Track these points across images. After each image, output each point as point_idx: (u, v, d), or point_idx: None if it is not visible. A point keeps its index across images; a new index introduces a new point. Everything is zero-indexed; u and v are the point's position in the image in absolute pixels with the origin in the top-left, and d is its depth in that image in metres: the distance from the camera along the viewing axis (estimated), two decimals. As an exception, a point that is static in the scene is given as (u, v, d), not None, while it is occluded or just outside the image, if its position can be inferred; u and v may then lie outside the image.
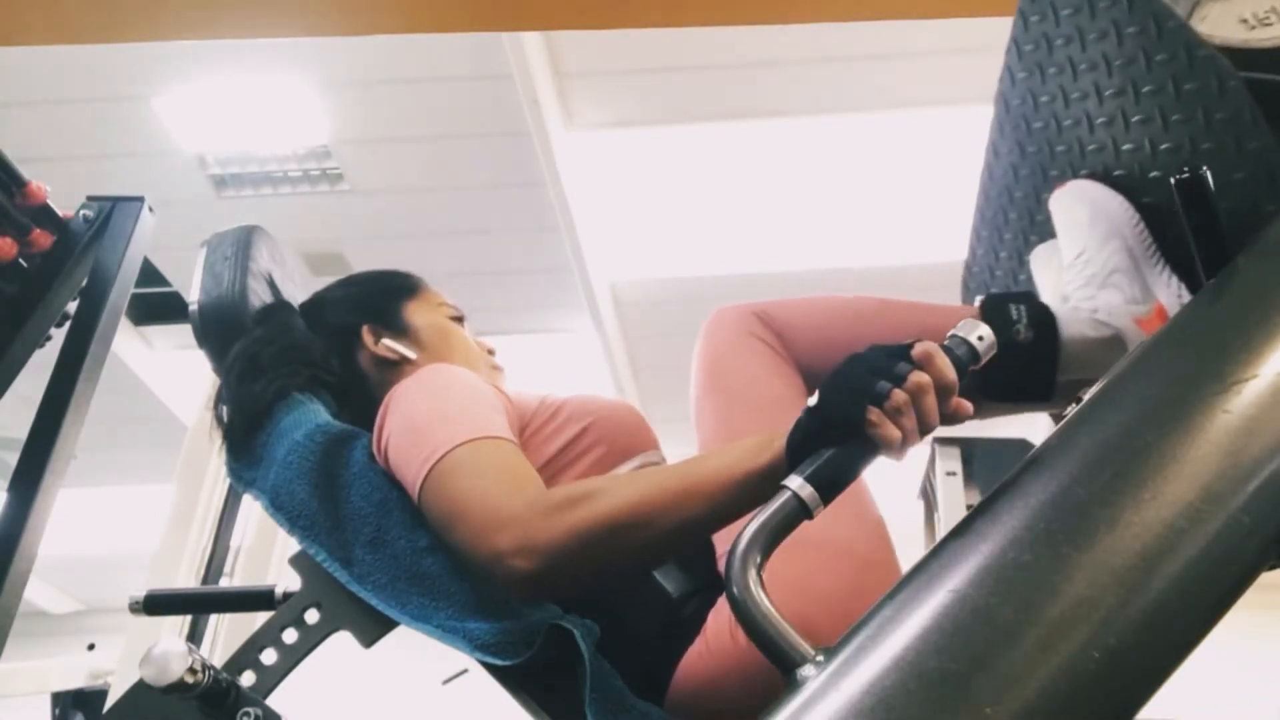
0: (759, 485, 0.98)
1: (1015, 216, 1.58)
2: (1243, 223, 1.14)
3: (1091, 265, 1.38)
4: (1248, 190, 1.17)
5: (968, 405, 0.95)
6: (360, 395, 1.38)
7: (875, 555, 1.18)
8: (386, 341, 1.41)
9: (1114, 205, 1.38)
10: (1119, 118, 1.32)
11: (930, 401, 0.92)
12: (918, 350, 0.94)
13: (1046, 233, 1.52)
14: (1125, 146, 1.34)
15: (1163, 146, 1.28)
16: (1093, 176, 1.42)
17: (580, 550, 1.02)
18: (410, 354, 1.41)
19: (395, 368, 1.40)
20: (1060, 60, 1.38)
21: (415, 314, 1.46)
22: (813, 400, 0.95)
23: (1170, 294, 1.35)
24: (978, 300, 1.42)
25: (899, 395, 0.91)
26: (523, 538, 1.03)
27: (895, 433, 0.91)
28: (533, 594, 1.10)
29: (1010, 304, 1.38)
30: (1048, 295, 1.48)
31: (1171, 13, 1.23)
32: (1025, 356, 1.35)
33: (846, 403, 0.92)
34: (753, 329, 1.34)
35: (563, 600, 1.17)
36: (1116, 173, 1.38)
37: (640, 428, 1.34)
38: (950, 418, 0.94)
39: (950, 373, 0.93)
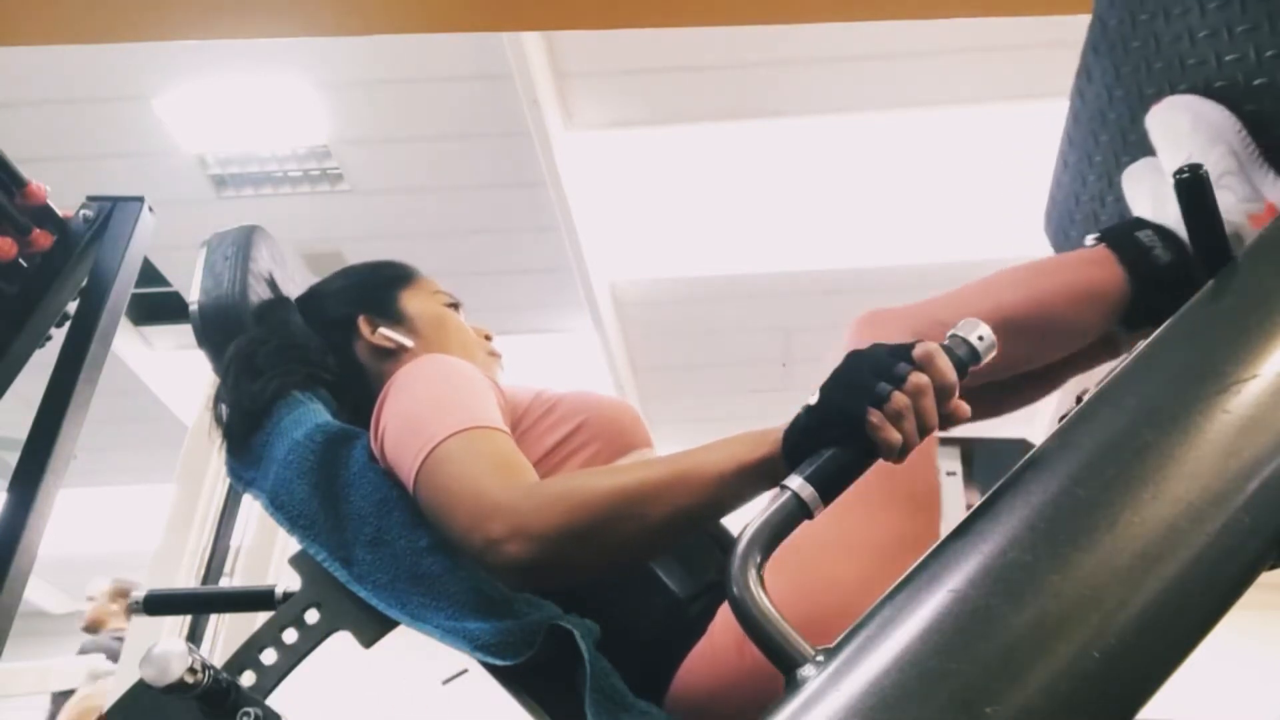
0: (753, 479, 0.98)
1: (1107, 138, 1.60)
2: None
3: None
4: None
5: (966, 407, 0.95)
6: (358, 388, 1.38)
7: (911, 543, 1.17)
8: (383, 331, 1.41)
9: (1217, 114, 1.41)
10: (1223, 29, 1.35)
11: (929, 403, 0.92)
12: (918, 351, 0.93)
13: (1139, 152, 1.55)
14: (1228, 57, 1.37)
15: (1268, 53, 1.31)
16: (1191, 91, 1.44)
17: (573, 537, 1.02)
18: (407, 342, 1.41)
19: (393, 357, 1.40)
20: None
21: (411, 302, 1.46)
22: (813, 399, 0.95)
23: (1278, 192, 1.37)
24: (1090, 239, 1.43)
25: (899, 398, 0.91)
26: (516, 524, 1.03)
27: (895, 436, 0.91)
28: (526, 581, 1.10)
29: (1134, 231, 1.40)
30: (1143, 211, 1.50)
31: None
32: (1171, 276, 1.36)
33: (847, 403, 0.92)
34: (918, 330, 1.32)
35: (564, 600, 1.17)
36: (1217, 84, 1.41)
37: (635, 425, 1.34)
38: (948, 419, 0.94)
39: (950, 374, 0.93)
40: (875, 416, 0.91)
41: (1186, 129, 1.42)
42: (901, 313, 1.33)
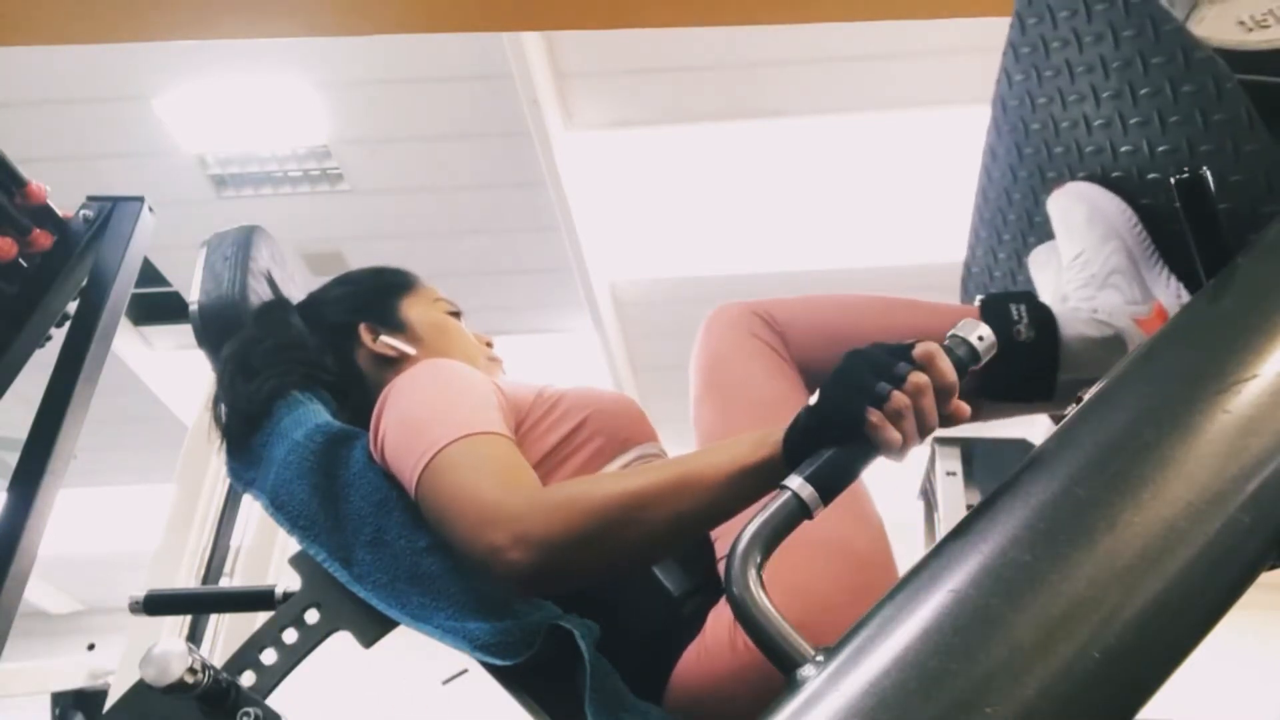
0: (755, 481, 0.98)
1: (1014, 218, 1.58)
2: (1242, 224, 1.14)
3: (1090, 266, 1.38)
4: (1246, 192, 1.18)
5: (966, 407, 0.95)
6: (359, 394, 1.38)
7: (875, 556, 1.18)
8: (384, 338, 1.41)
9: (1112, 207, 1.38)
10: (1116, 120, 1.33)
11: (929, 403, 0.92)
12: (919, 351, 0.93)
13: (1044, 234, 1.52)
14: (1123, 148, 1.35)
15: (1160, 148, 1.28)
16: (1090, 178, 1.42)
17: (576, 543, 1.02)
18: (409, 350, 1.41)
19: (394, 365, 1.40)
20: (1057, 63, 1.38)
21: (411, 310, 1.46)
22: (814, 399, 0.95)
23: (1169, 294, 1.35)
24: (978, 300, 1.42)
25: (899, 397, 0.91)
26: (519, 532, 1.03)
27: (895, 435, 0.91)
28: (531, 588, 1.10)
29: (1010, 304, 1.38)
30: (1046, 296, 1.48)
31: (1168, 15, 1.23)
32: (1026, 356, 1.35)
33: (847, 402, 0.92)
34: (753, 328, 1.34)
35: (563, 600, 1.17)
36: (1114, 174, 1.38)
37: (639, 419, 1.34)
38: (948, 419, 0.94)
39: (951, 374, 0.93)
40: (875, 416, 0.91)
41: (1082, 221, 1.40)
42: (750, 302, 1.35)
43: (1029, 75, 1.44)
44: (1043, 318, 1.36)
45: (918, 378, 0.92)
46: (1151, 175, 1.32)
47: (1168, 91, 1.23)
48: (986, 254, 1.66)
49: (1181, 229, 1.08)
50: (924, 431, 0.92)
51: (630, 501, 1.02)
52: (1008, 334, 1.34)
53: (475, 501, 1.07)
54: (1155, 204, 1.35)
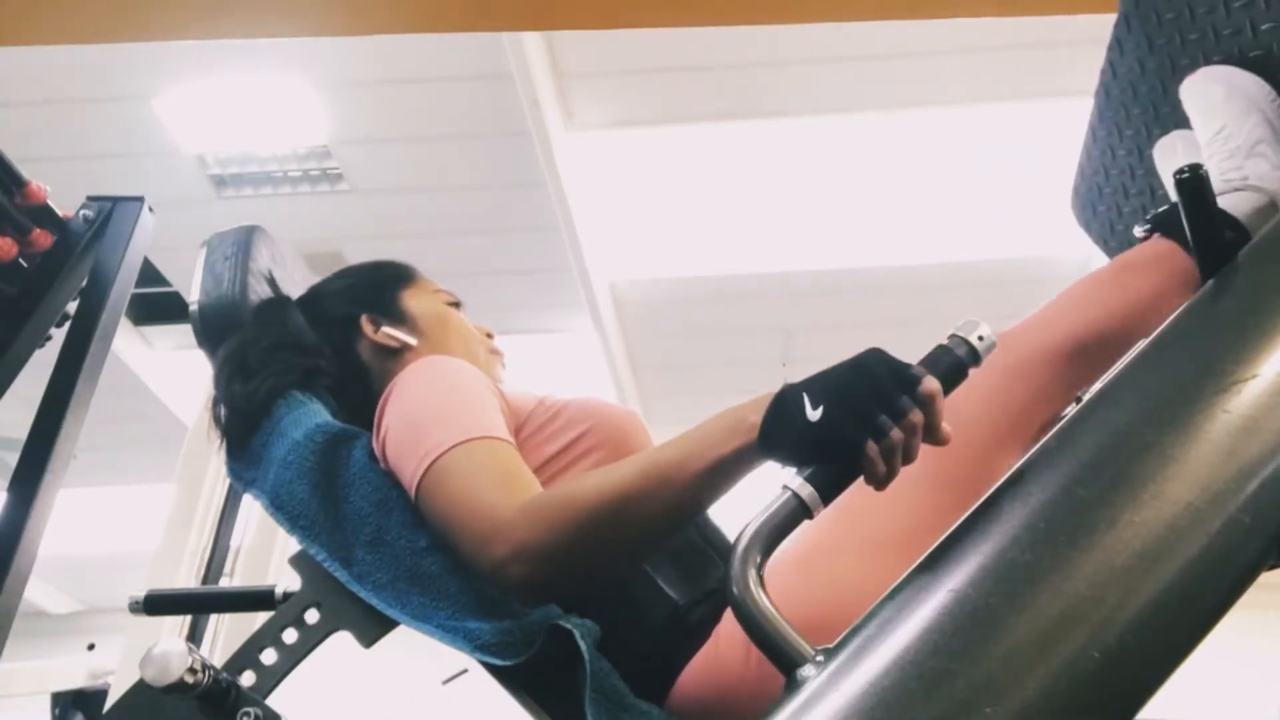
0: (732, 470, 0.99)
1: (1138, 111, 1.60)
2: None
3: (1235, 138, 1.39)
4: None
5: (947, 436, 0.95)
6: (359, 388, 1.38)
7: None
8: (386, 330, 1.42)
9: (1250, 83, 1.40)
10: None
11: (917, 442, 0.92)
12: (925, 389, 0.93)
13: (1171, 124, 1.54)
14: (1264, 26, 1.36)
15: None
16: (1226, 61, 1.44)
17: (570, 549, 1.03)
18: (410, 341, 1.41)
19: (396, 356, 1.40)
20: None
21: (412, 301, 1.46)
22: (814, 415, 0.93)
23: None
24: (1141, 231, 1.37)
25: (896, 435, 0.91)
26: (516, 545, 1.04)
27: (884, 470, 0.91)
28: (537, 598, 1.11)
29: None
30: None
31: None
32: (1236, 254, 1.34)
33: (847, 429, 0.91)
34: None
35: (564, 602, 1.17)
36: (1252, 54, 1.40)
37: (639, 433, 1.34)
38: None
39: (940, 419, 0.93)
40: (872, 450, 0.91)
41: (1221, 99, 1.42)
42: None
43: None
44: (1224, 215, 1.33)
45: (916, 417, 0.92)
46: None
47: None
48: (1103, 153, 1.68)
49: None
50: (905, 461, 0.93)
51: (614, 502, 1.02)
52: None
53: (475, 514, 1.08)
54: None
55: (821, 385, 0.95)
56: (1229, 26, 1.41)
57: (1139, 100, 1.59)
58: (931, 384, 0.93)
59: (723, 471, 1.00)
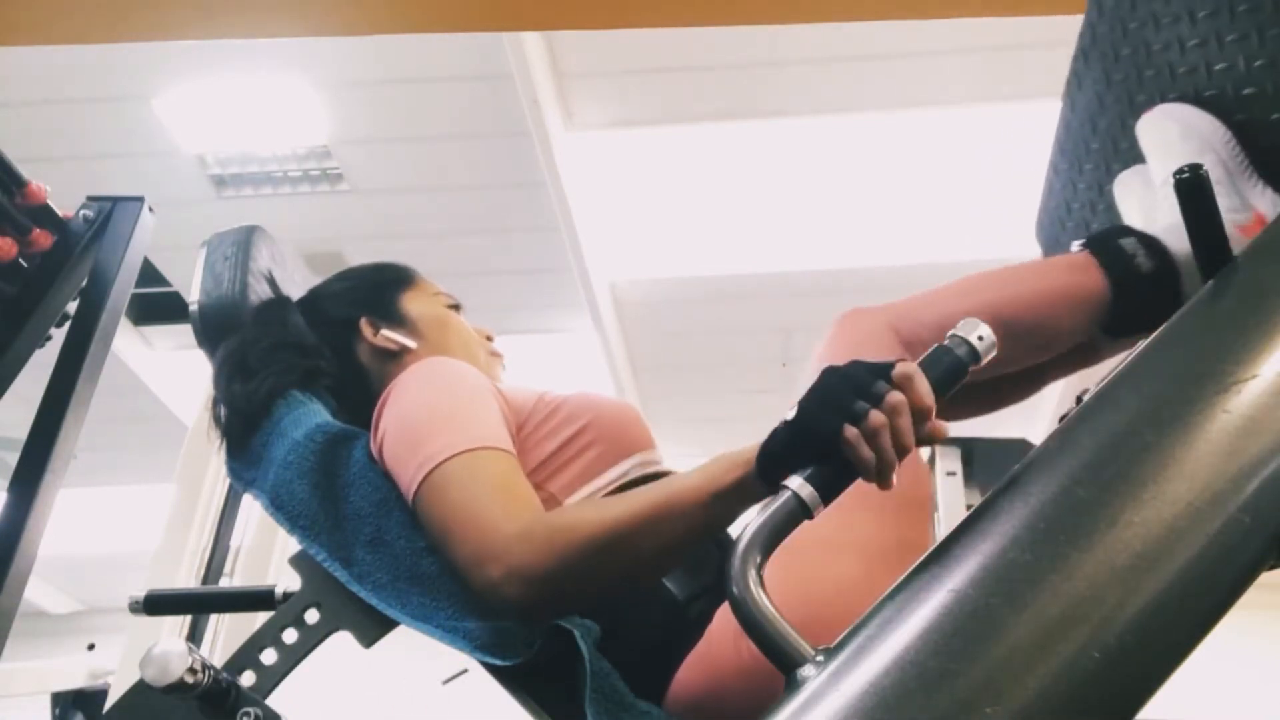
0: (732, 502, 0.99)
1: (1097, 146, 1.61)
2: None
3: None
4: None
5: (944, 428, 0.94)
6: (359, 390, 1.38)
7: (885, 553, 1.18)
8: (386, 332, 1.42)
9: (1205, 123, 1.40)
10: (1212, 38, 1.36)
11: (906, 423, 0.91)
12: (898, 371, 0.93)
13: (1130, 159, 1.55)
14: (1218, 66, 1.37)
15: (1257, 63, 1.31)
16: (1182, 99, 1.45)
17: (567, 576, 1.04)
18: (410, 343, 1.41)
19: (395, 359, 1.40)
20: None
21: (412, 304, 1.46)
22: (790, 413, 0.94)
23: (1266, 202, 1.37)
24: (1076, 245, 1.42)
25: (876, 416, 0.91)
26: (511, 567, 1.05)
27: (869, 454, 0.90)
28: (529, 618, 1.12)
29: (1118, 238, 1.38)
30: (1133, 220, 1.49)
31: None
32: (1153, 283, 1.35)
33: (823, 419, 0.91)
34: (883, 341, 1.29)
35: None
36: (1207, 93, 1.41)
37: (637, 426, 1.34)
38: (925, 440, 0.94)
39: (928, 397, 0.93)
40: (851, 434, 0.90)
41: (1176, 138, 1.42)
42: (882, 311, 1.32)
43: (1121, 1, 1.47)
44: (1153, 244, 1.37)
45: (895, 397, 0.91)
46: (1247, 90, 1.35)
47: (1268, 6, 1.26)
48: (1065, 186, 1.69)
49: (1277, 141, 1.09)
50: (900, 452, 0.92)
51: (613, 534, 1.03)
52: (1130, 268, 1.35)
53: (473, 531, 1.09)
54: (1249, 119, 1.38)
55: (804, 393, 0.95)
56: (1184, 65, 1.42)
57: (1098, 135, 1.60)
58: (907, 367, 0.93)
59: (722, 502, 1.00)
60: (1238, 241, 1.33)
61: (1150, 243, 1.37)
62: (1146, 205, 1.47)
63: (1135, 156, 1.52)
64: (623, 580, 1.08)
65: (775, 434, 0.96)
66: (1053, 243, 1.79)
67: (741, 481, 0.98)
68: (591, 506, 1.09)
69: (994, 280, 1.39)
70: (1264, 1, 1.26)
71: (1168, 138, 1.43)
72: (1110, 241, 1.38)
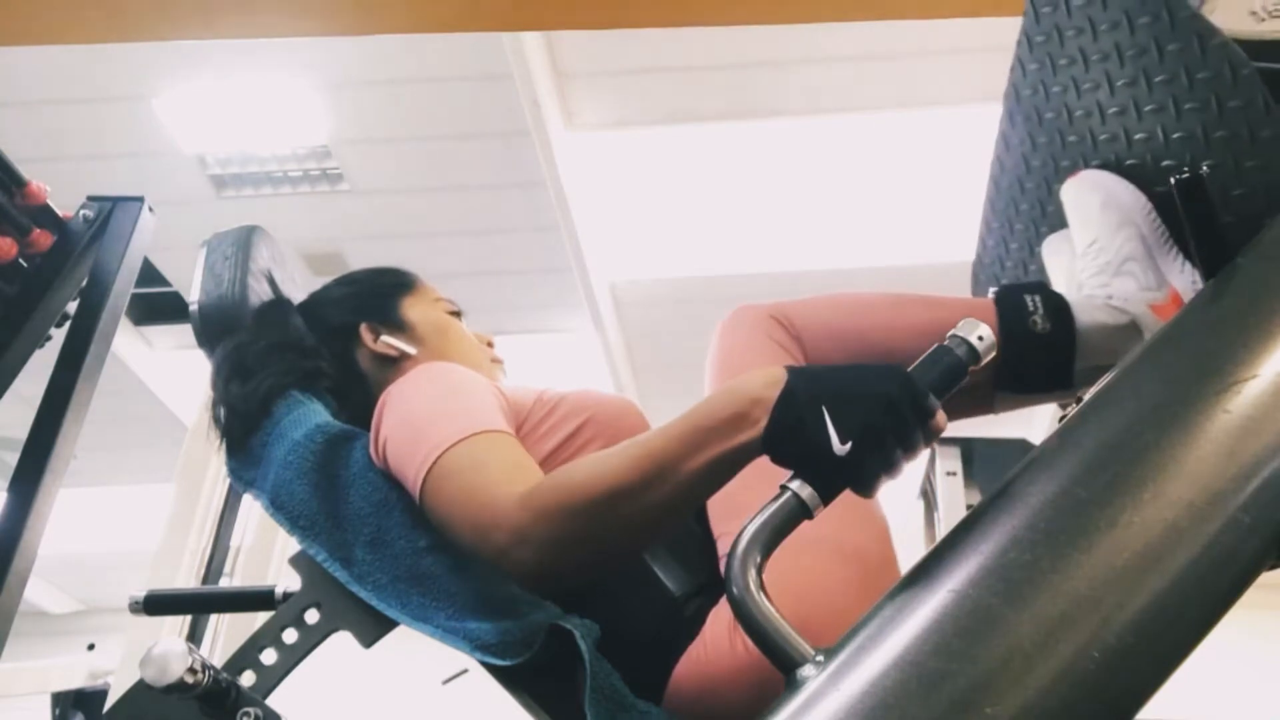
0: (735, 460, 0.99)
1: (1026, 207, 1.59)
2: (1257, 211, 1.14)
3: (1105, 253, 1.38)
4: (1261, 179, 1.18)
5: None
6: (360, 394, 1.38)
7: (878, 555, 1.18)
8: (385, 338, 1.42)
9: (1126, 194, 1.38)
10: (1131, 107, 1.33)
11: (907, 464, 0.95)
12: (938, 423, 0.94)
13: (1058, 223, 1.53)
14: (1137, 136, 1.35)
15: (1175, 135, 1.29)
16: (1105, 166, 1.43)
17: (571, 533, 1.02)
18: (410, 350, 1.41)
19: (395, 365, 1.40)
20: (1072, 51, 1.39)
21: (412, 310, 1.46)
22: (842, 449, 0.92)
23: (1184, 280, 1.35)
24: (991, 292, 1.42)
25: (902, 467, 0.93)
26: (516, 531, 1.03)
27: (879, 491, 0.94)
28: (541, 583, 1.10)
29: (1025, 294, 1.37)
30: (1060, 284, 1.48)
31: (1183, 2, 1.24)
32: (1044, 346, 1.34)
33: (874, 470, 0.92)
34: (770, 331, 1.33)
35: (563, 600, 1.17)
36: (1129, 162, 1.39)
37: (638, 422, 1.34)
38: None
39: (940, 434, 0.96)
40: (881, 482, 0.93)
41: (1096, 208, 1.40)
42: (766, 310, 1.35)
43: (1043, 64, 1.45)
44: (1058, 306, 1.36)
45: (923, 450, 0.94)
46: (1166, 162, 1.32)
47: (1183, 78, 1.23)
48: (998, 244, 1.67)
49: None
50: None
51: (613, 487, 1.01)
52: (1024, 325, 1.34)
53: (476, 505, 1.07)
54: (1169, 191, 1.35)
55: (841, 407, 0.93)
56: (1105, 133, 1.40)
57: (1026, 196, 1.58)
58: (942, 419, 0.94)
59: (722, 466, 0.99)
60: (1150, 322, 1.33)
61: (1059, 309, 1.36)
62: (1070, 271, 1.45)
63: (1062, 220, 1.50)
64: (632, 533, 1.05)
65: (803, 432, 0.93)
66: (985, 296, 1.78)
67: (745, 446, 0.97)
68: (587, 462, 1.07)
69: (895, 303, 1.39)
70: (1179, 73, 1.23)
71: (1089, 207, 1.41)
72: (1016, 295, 1.37)
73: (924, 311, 1.37)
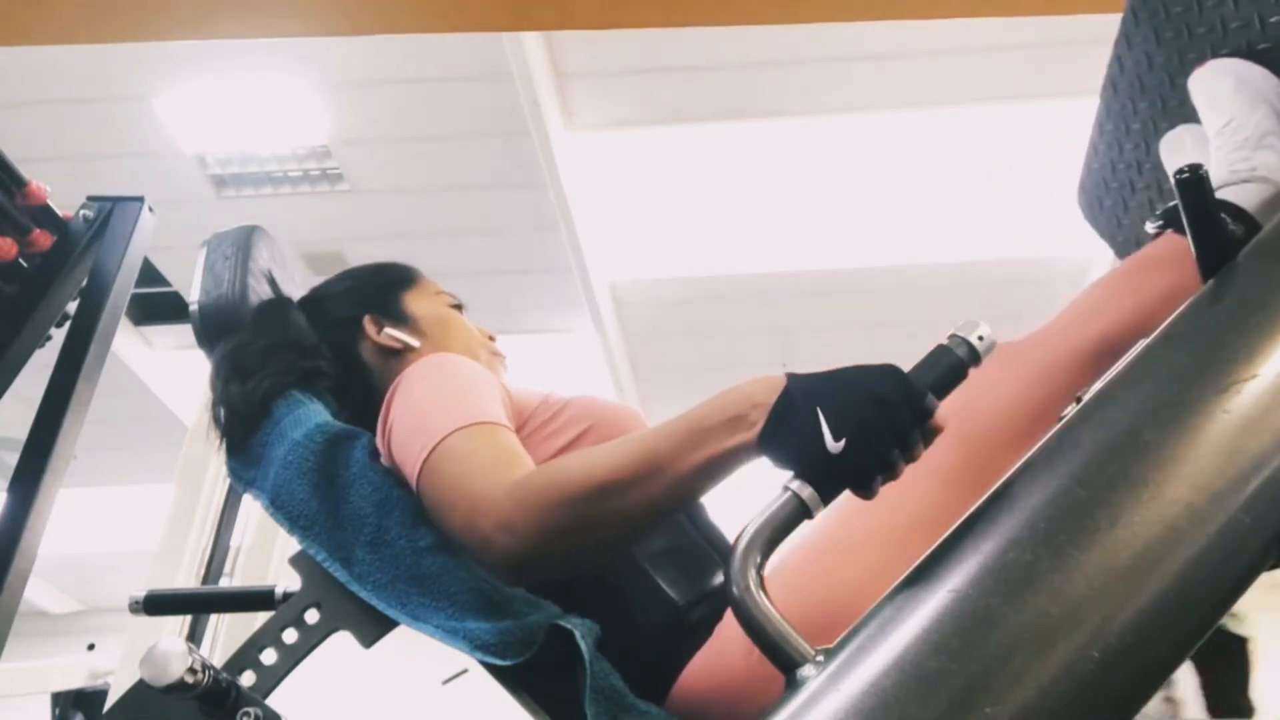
0: (728, 463, 0.99)
1: (1145, 105, 1.61)
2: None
3: (1243, 130, 1.39)
4: None
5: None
6: (361, 389, 1.38)
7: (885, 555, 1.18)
8: (389, 331, 1.42)
9: (1258, 76, 1.41)
10: None
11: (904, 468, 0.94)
12: (937, 423, 0.94)
13: (1178, 118, 1.55)
14: (1272, 19, 1.37)
15: None
16: (1234, 54, 1.45)
17: (555, 523, 1.02)
18: (413, 342, 1.42)
19: (398, 357, 1.41)
20: None
21: (415, 303, 1.46)
22: (836, 447, 0.92)
23: None
24: (1151, 226, 1.38)
25: (901, 467, 0.93)
26: (501, 518, 1.04)
27: (877, 493, 0.94)
28: (521, 573, 1.10)
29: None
30: None
31: None
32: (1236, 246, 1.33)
33: (868, 469, 0.92)
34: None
35: (564, 601, 1.18)
36: (1260, 47, 1.41)
37: (638, 425, 1.34)
38: None
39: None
40: (877, 483, 0.93)
41: (1229, 91, 1.42)
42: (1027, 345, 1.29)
43: None
44: (1240, 213, 1.32)
45: (920, 451, 0.94)
46: None
47: None
48: (1110, 147, 1.69)
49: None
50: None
51: (603, 483, 1.01)
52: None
53: (465, 492, 1.08)
54: None
55: (836, 406, 0.94)
56: (1237, 20, 1.42)
57: (1146, 94, 1.60)
58: (942, 420, 0.94)
59: (717, 466, 0.99)
60: None
61: (1230, 208, 1.32)
62: (1198, 158, 1.46)
63: (1183, 115, 1.52)
64: (616, 531, 1.05)
65: (799, 434, 0.93)
66: (1095, 205, 1.79)
67: (739, 449, 0.97)
68: (581, 455, 1.08)
69: (1098, 304, 1.31)
70: None
71: (1221, 92, 1.43)
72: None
73: (1134, 296, 1.29)
